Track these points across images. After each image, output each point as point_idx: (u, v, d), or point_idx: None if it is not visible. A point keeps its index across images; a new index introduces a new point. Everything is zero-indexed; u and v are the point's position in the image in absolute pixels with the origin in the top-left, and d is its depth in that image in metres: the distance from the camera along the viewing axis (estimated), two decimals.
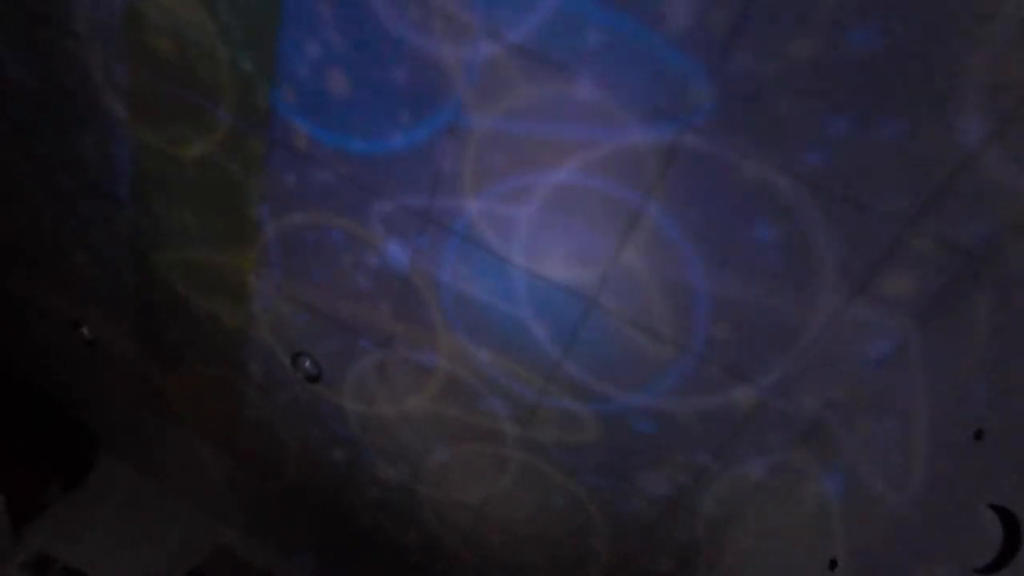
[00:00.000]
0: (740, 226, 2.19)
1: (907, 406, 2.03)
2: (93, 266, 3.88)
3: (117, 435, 5.22)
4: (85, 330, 4.40)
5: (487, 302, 2.87)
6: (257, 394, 3.96)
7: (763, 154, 2.03)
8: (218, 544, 5.19)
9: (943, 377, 1.92)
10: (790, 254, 2.17)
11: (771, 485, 2.71)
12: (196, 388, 4.25)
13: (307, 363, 3.63)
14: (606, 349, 2.71)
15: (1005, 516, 1.45)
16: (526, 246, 2.61)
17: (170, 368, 4.21)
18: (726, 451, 2.77)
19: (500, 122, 2.37)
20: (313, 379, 3.69)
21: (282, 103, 2.69)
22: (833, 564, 2.00)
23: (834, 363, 2.35)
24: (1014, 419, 1.56)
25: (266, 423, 4.13)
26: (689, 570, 3.22)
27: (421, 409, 3.47)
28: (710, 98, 2.00)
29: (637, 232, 2.35)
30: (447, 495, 3.81)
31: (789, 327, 2.33)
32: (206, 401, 4.30)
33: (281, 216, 3.05)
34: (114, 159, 3.26)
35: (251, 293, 3.43)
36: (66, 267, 4.08)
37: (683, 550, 3.23)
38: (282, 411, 3.98)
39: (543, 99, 2.24)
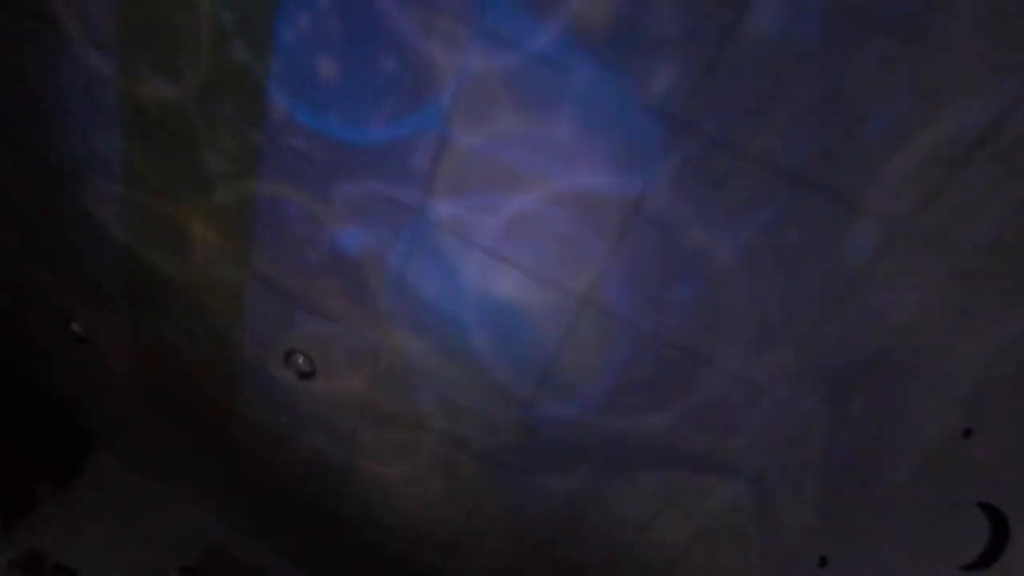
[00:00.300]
0: (672, 280, 2.44)
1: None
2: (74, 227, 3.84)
3: (109, 433, 5.21)
4: (76, 326, 4.38)
5: (433, 299, 2.96)
6: (218, 366, 3.97)
7: (703, 223, 2.27)
8: (210, 541, 5.18)
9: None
10: (708, 311, 2.47)
11: (672, 496, 3.11)
12: (154, 357, 4.24)
13: (300, 360, 3.63)
14: (538, 361, 2.93)
15: (992, 513, 1.47)
16: (482, 256, 2.73)
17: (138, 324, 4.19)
18: (626, 465, 3.09)
19: (478, 138, 2.43)
20: (306, 376, 3.68)
21: (262, 71, 2.65)
22: (823, 562, 2.02)
23: (732, 407, 2.67)
24: (1002, 418, 1.58)
25: (237, 400, 4.13)
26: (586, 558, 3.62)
27: (353, 388, 3.54)
28: (669, 165, 2.18)
29: (583, 266, 2.55)
30: (368, 469, 3.93)
31: (696, 375, 2.66)
32: (183, 381, 4.29)
33: (241, 179, 3.02)
34: (94, 105, 3.18)
35: (197, 248, 3.40)
36: (55, 252, 4.06)
37: (578, 540, 3.58)
38: (251, 389, 3.98)
39: (523, 126, 2.34)
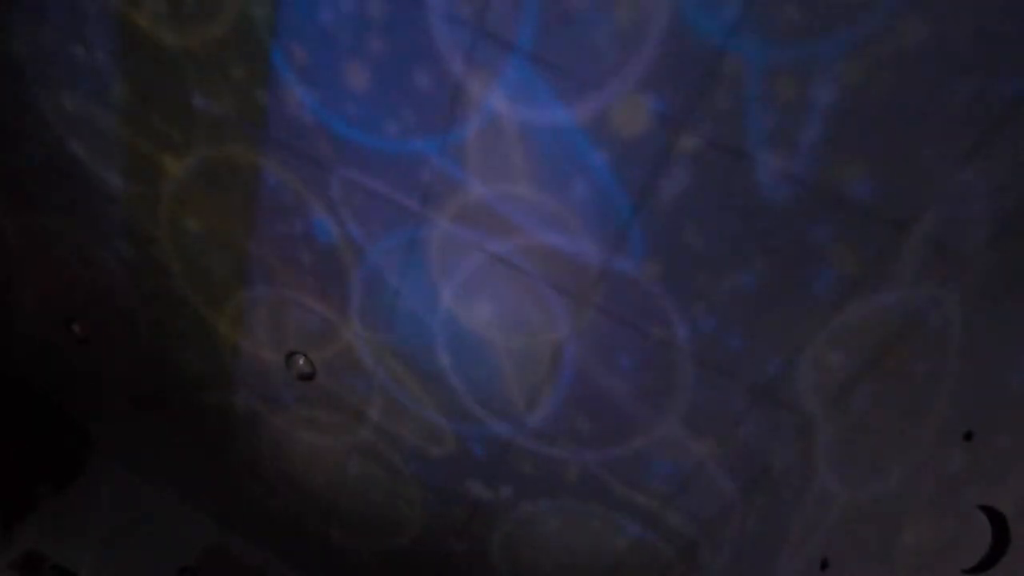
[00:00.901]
0: (627, 348, 2.70)
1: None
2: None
3: (109, 433, 5.21)
4: (76, 327, 4.38)
5: (403, 303, 3.06)
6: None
7: (665, 316, 2.58)
8: (210, 541, 5.18)
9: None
10: (653, 379, 2.75)
11: (562, 520, 3.55)
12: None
13: (301, 361, 3.63)
14: (488, 384, 3.15)
15: (993, 517, 1.47)
16: (461, 281, 2.88)
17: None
18: (532, 489, 3.49)
19: (485, 178, 2.53)
20: (307, 377, 3.69)
21: (281, 54, 2.60)
22: (824, 564, 2.03)
23: (651, 465, 3.01)
24: (1003, 422, 1.59)
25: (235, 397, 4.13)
26: (481, 554, 4.07)
27: (301, 363, 3.65)
28: (639, 252, 2.46)
29: (550, 315, 2.79)
30: (297, 442, 4.13)
31: (627, 431, 2.98)
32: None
33: (229, 140, 2.97)
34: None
35: (159, 177, 3.33)
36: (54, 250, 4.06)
37: (477, 539, 3.96)
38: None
39: (530, 180, 2.47)
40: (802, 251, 2.18)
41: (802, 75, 1.92)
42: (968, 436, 1.69)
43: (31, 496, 4.90)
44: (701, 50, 1.98)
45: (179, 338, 4.01)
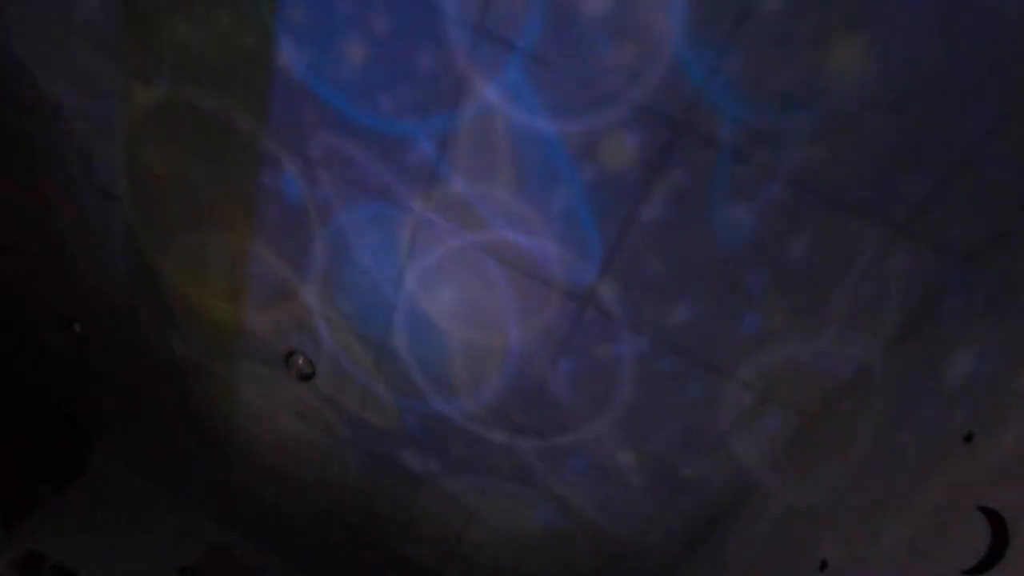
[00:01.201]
0: (571, 354, 2.85)
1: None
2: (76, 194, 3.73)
3: (110, 433, 5.21)
4: (77, 327, 4.38)
5: (364, 273, 3.09)
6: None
7: (613, 338, 2.73)
8: (210, 541, 5.18)
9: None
10: (591, 386, 2.91)
11: (485, 497, 3.73)
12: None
13: (300, 360, 3.63)
14: (437, 362, 3.25)
15: (993, 518, 1.47)
16: (427, 264, 2.92)
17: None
18: (464, 467, 3.63)
19: (468, 174, 2.57)
20: (307, 377, 3.68)
21: (274, 7, 2.53)
22: (823, 565, 2.03)
23: (574, 461, 3.21)
24: (1003, 423, 1.59)
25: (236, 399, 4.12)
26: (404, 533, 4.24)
27: (252, 319, 3.64)
28: (599, 270, 2.57)
29: (502, 313, 2.91)
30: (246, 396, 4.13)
31: (559, 428, 3.15)
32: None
33: (194, 81, 2.88)
34: None
35: (139, 102, 3.20)
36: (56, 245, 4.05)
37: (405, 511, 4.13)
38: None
39: (511, 179, 2.53)
40: (738, 295, 2.39)
41: (772, 140, 2.07)
42: (968, 437, 1.69)
43: (31, 496, 4.90)
44: (687, 98, 2.09)
45: (153, 307, 3.94)
